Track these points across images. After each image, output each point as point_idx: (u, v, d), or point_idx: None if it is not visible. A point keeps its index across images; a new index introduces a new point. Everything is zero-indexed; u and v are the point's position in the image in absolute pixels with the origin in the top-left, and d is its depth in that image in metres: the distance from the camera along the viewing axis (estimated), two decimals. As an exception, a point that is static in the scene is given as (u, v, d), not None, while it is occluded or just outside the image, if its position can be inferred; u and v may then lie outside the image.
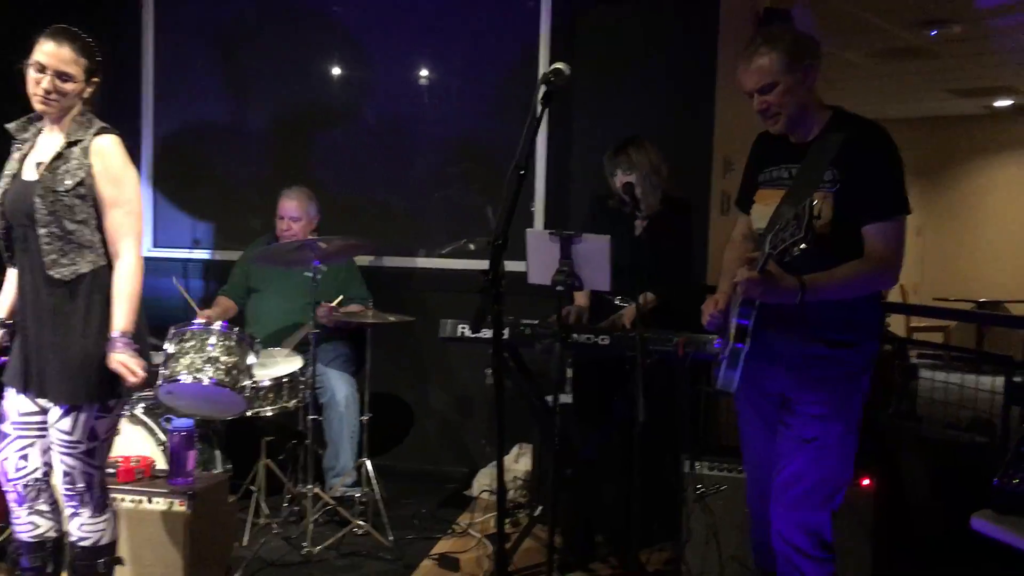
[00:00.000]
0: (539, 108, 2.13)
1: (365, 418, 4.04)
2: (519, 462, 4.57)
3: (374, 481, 3.95)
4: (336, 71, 5.19)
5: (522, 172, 2.05)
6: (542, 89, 2.16)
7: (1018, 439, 2.43)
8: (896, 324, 8.90)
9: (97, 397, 2.60)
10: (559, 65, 2.26)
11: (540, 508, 3.74)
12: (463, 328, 3.44)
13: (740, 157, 5.29)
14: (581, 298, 3.75)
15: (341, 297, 4.27)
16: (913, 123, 11.06)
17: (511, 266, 4.99)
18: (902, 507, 3.38)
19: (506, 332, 3.37)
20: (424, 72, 5.10)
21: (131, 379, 2.56)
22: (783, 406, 2.64)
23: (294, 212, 4.38)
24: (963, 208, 11.45)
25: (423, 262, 5.10)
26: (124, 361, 2.55)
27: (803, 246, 2.16)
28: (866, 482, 3.17)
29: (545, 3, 4.81)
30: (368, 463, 3.97)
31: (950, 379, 4.38)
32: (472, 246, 5.19)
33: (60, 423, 2.60)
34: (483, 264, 4.86)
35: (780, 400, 2.65)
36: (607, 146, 3.78)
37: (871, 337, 2.58)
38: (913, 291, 10.15)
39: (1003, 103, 10.64)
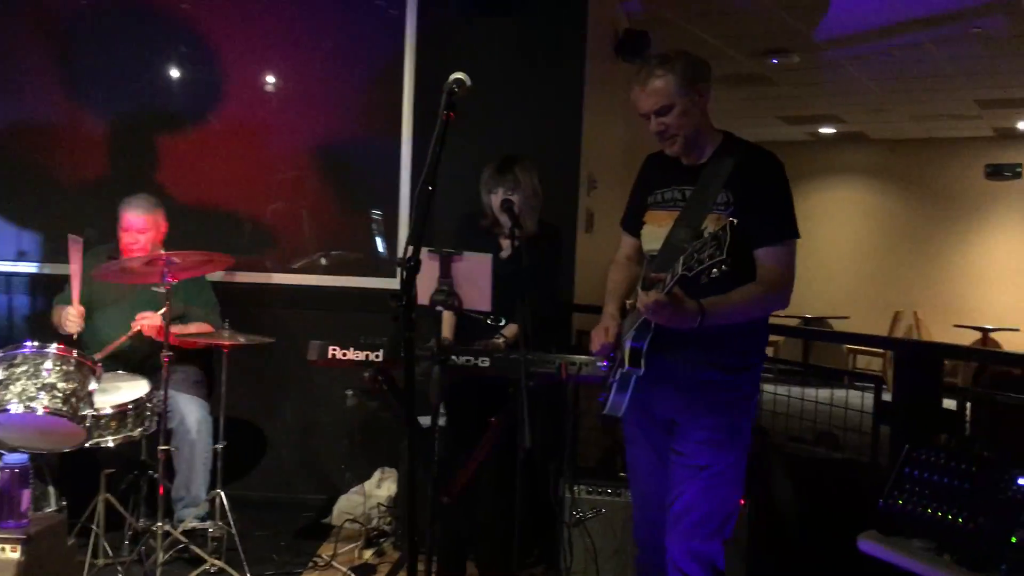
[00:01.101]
0: (442, 119, 2.00)
1: (220, 446, 3.75)
2: (381, 487, 4.38)
3: (229, 513, 3.67)
4: (183, 72, 4.85)
5: (431, 188, 1.91)
6: (445, 99, 2.03)
7: (901, 459, 2.48)
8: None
9: None
10: (460, 75, 2.15)
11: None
12: (334, 350, 3.23)
13: (603, 175, 5.35)
14: (446, 327, 3.64)
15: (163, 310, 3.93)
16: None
17: (376, 283, 4.87)
18: (774, 526, 3.43)
19: (380, 354, 3.21)
20: (280, 78, 4.84)
21: None
22: (672, 432, 2.61)
23: (140, 224, 4.02)
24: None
25: (278, 278, 4.83)
26: None
27: (724, 268, 2.12)
28: (741, 502, 3.19)
29: (410, 12, 4.67)
30: (223, 494, 3.69)
31: (779, 391, 4.47)
32: (324, 261, 4.98)
33: None
34: (339, 280, 4.80)
35: (669, 426, 2.62)
36: (471, 161, 3.67)
37: (760, 361, 2.60)
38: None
39: (827, 130, 11.32)
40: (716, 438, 2.51)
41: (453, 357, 3.14)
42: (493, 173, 3.53)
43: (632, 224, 2.80)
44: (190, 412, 3.90)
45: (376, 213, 4.83)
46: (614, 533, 3.33)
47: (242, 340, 3.73)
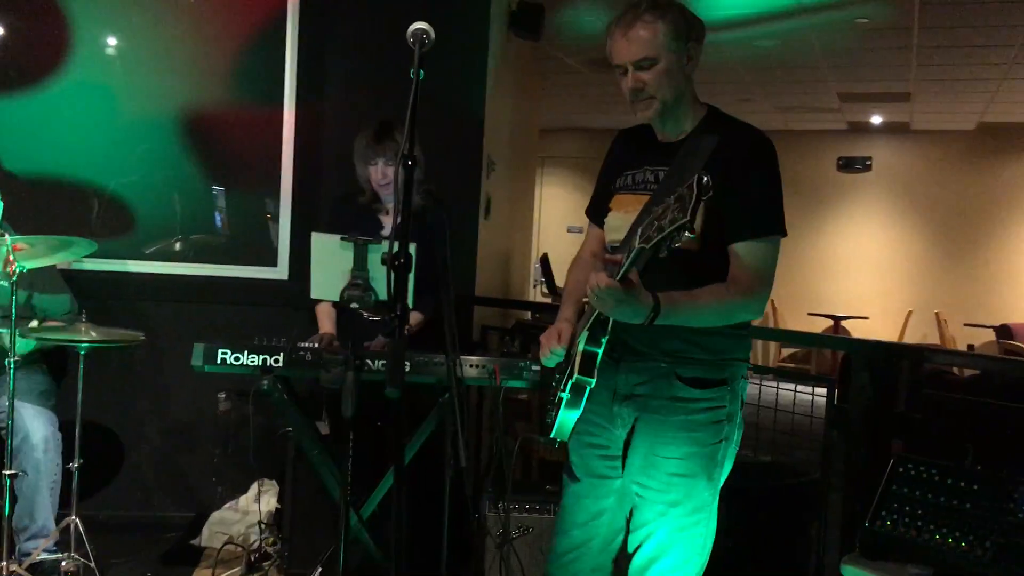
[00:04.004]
0: (415, 78, 1.60)
1: (75, 465, 3.19)
2: (260, 502, 3.89)
3: (86, 542, 3.13)
4: (22, 24, 4.14)
5: (411, 164, 1.51)
6: (417, 55, 1.64)
7: (887, 475, 2.26)
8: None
9: None
10: (422, 25, 1.76)
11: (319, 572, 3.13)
12: (224, 354, 2.75)
13: (498, 158, 5.00)
14: (325, 320, 3.24)
15: (35, 323, 3.37)
16: (611, 133, 11.50)
17: (258, 272, 4.35)
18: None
19: (280, 358, 2.76)
20: (137, 33, 4.21)
21: None
22: (634, 460, 2.20)
23: None
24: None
25: (134, 266, 4.23)
26: None
27: (688, 234, 1.71)
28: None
29: (292, -32, 4.16)
30: (78, 521, 3.14)
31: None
32: (178, 246, 4.44)
33: None
34: (199, 268, 4.26)
35: (628, 452, 2.21)
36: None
37: (741, 373, 2.22)
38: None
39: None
40: (689, 469, 2.12)
41: (368, 362, 2.74)
42: (370, 141, 3.17)
43: (598, 212, 2.39)
44: (36, 428, 3.31)
45: (217, 188, 4.31)
46: (542, 553, 3.00)
47: (105, 338, 3.18)
